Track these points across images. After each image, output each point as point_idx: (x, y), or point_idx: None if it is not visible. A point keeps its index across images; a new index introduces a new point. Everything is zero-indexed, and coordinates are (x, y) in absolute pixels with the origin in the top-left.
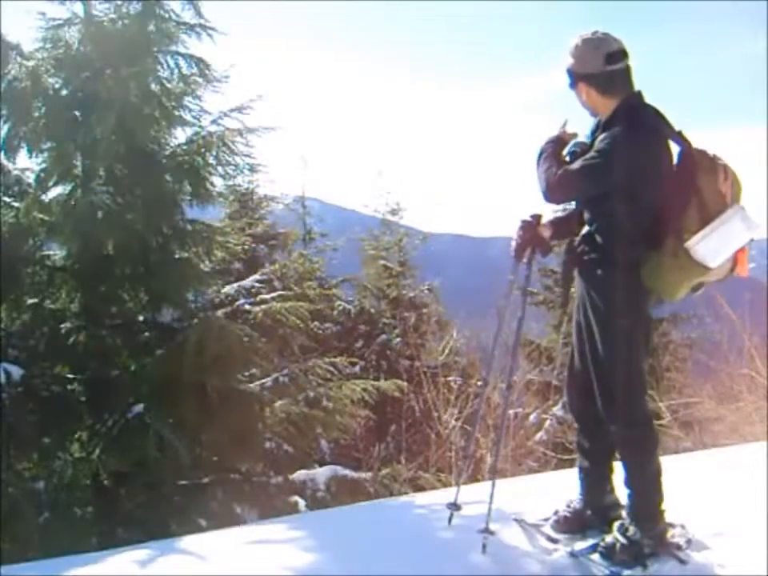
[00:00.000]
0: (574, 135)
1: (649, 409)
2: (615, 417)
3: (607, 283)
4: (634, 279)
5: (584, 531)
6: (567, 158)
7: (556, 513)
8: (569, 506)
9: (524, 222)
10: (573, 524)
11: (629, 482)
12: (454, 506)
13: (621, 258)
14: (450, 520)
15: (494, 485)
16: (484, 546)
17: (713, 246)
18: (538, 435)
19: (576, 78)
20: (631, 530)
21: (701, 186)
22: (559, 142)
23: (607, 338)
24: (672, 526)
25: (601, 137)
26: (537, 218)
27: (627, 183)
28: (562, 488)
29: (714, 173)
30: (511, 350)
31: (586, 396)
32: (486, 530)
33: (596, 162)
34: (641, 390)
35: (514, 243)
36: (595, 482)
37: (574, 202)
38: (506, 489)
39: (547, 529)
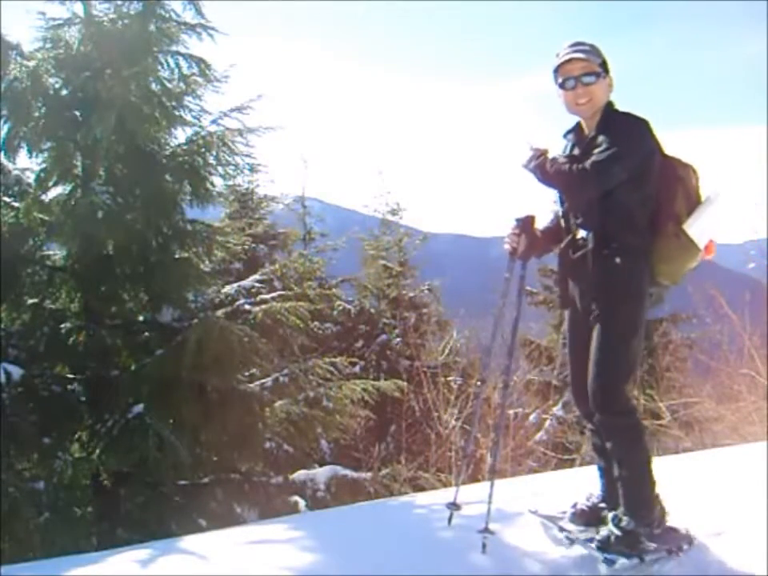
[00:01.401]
0: (547, 149)
1: (631, 397)
2: (603, 405)
3: (627, 271)
4: (646, 266)
5: (600, 525)
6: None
7: (575, 505)
8: (588, 499)
9: (518, 220)
10: (591, 517)
11: (618, 473)
12: (454, 506)
13: (635, 246)
14: (449, 520)
15: (492, 485)
16: (484, 546)
17: (702, 229)
18: (538, 435)
19: (607, 71)
20: (624, 520)
21: (683, 178)
22: (541, 153)
23: (620, 325)
24: (675, 529)
25: (601, 138)
26: (531, 218)
27: (641, 169)
28: (562, 488)
29: (687, 169)
30: (508, 351)
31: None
32: (486, 530)
33: (617, 149)
34: (632, 380)
35: (508, 242)
36: (613, 479)
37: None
38: (506, 489)
39: (564, 521)
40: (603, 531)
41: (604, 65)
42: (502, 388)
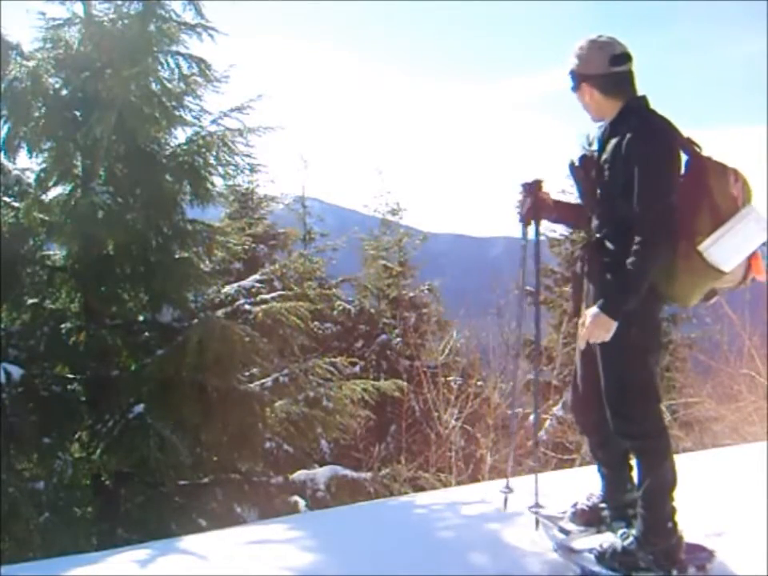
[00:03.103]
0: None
1: (660, 419)
2: (620, 431)
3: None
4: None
5: (601, 525)
6: (577, 162)
7: (575, 505)
8: (588, 499)
9: (525, 184)
10: (591, 517)
11: (639, 493)
12: (508, 489)
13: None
14: (505, 503)
15: (536, 460)
16: (537, 522)
17: (726, 248)
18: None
19: (579, 78)
20: (630, 539)
21: (711, 188)
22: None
23: (619, 347)
24: (700, 548)
25: (614, 141)
26: (538, 182)
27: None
28: (562, 488)
29: (725, 176)
30: (534, 342)
31: (591, 408)
32: (537, 505)
33: (652, 188)
34: (651, 401)
35: (517, 206)
36: (614, 483)
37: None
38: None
39: (564, 521)
40: (606, 543)
41: (576, 73)
42: (535, 384)
